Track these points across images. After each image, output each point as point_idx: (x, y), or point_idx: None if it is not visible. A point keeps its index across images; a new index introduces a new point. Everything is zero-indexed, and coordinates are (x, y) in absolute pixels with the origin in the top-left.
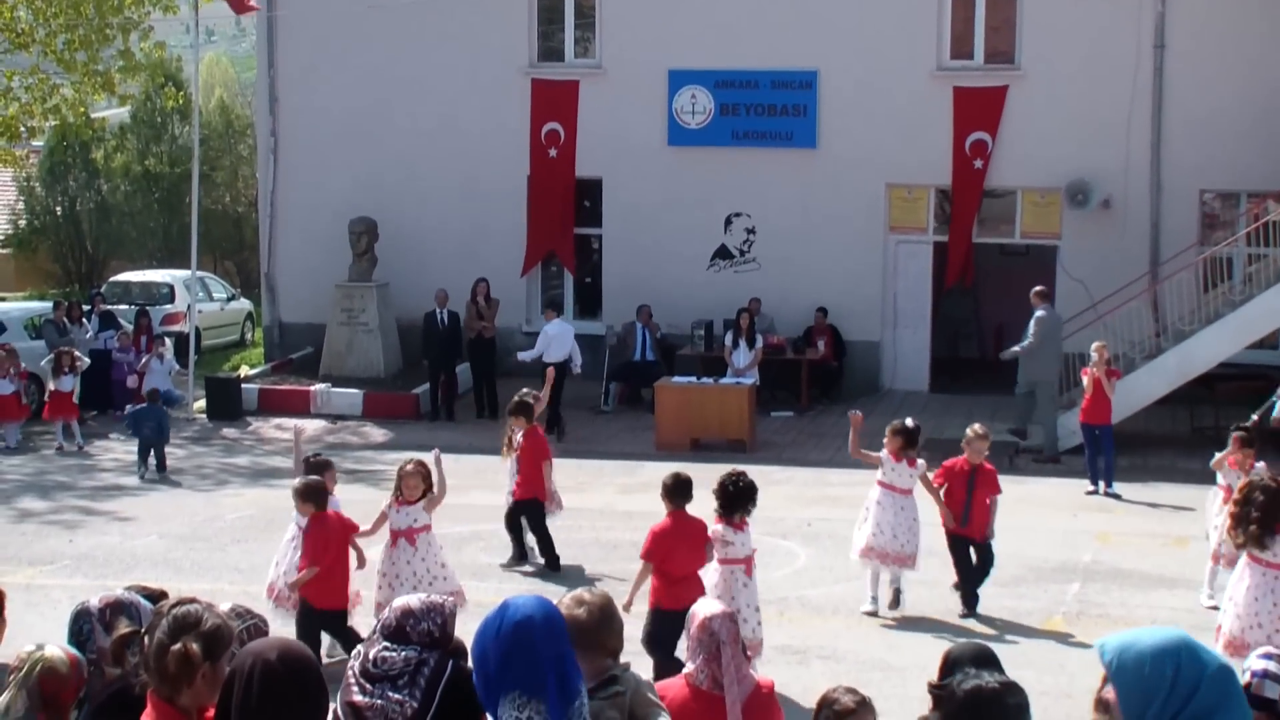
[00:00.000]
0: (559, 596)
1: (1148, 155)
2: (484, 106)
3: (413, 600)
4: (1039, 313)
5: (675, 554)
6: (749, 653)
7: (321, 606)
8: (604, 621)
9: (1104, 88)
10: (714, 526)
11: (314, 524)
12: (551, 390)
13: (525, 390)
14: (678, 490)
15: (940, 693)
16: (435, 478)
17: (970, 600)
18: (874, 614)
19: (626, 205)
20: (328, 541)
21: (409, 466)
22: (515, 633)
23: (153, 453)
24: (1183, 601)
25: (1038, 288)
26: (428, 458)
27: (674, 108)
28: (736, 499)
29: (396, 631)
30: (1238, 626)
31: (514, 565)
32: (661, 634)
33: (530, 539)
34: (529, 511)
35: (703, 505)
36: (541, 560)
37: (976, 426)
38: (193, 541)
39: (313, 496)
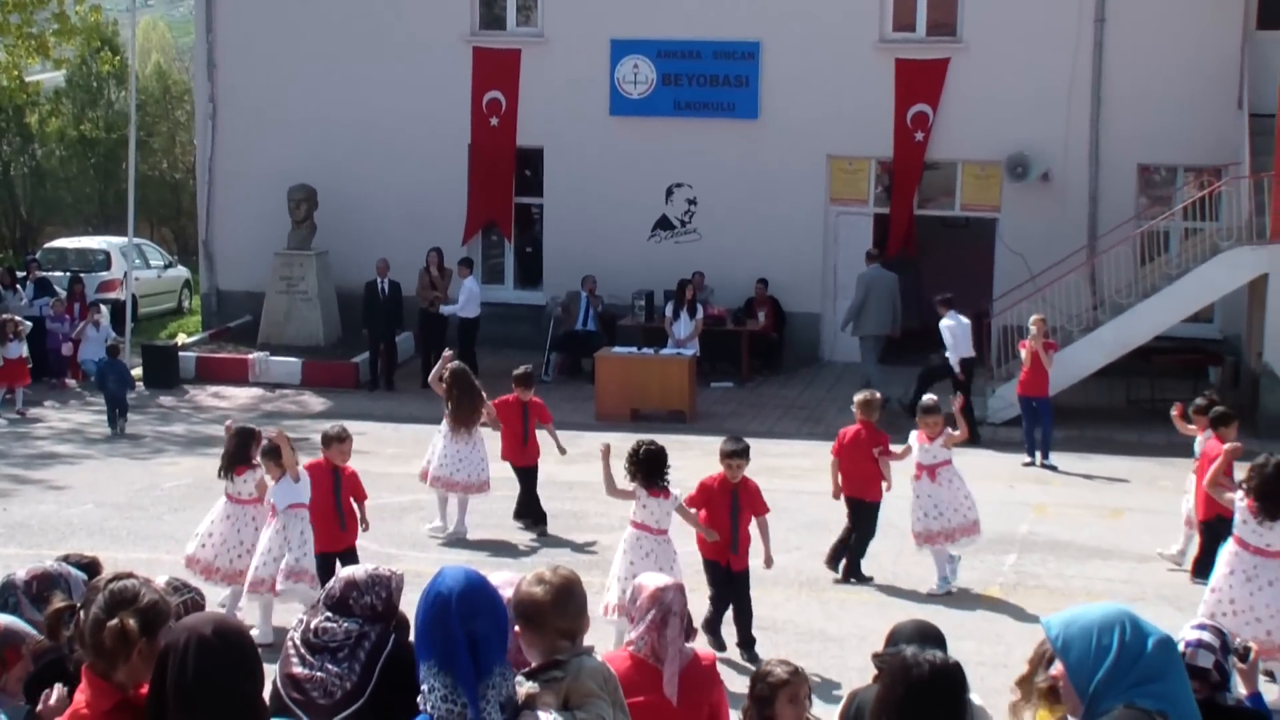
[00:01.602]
0: (524, 570)
1: (1087, 129)
2: (425, 74)
3: (358, 571)
4: (861, 272)
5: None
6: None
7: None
8: (559, 602)
9: (1044, 61)
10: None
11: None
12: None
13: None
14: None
15: (883, 665)
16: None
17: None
18: (950, 593)
19: (568, 175)
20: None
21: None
22: (433, 605)
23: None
24: (1118, 572)
25: (868, 249)
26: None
27: (616, 77)
28: (647, 465)
29: (339, 603)
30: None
31: (536, 526)
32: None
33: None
34: (534, 475)
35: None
36: (454, 530)
37: (864, 394)
38: (129, 510)
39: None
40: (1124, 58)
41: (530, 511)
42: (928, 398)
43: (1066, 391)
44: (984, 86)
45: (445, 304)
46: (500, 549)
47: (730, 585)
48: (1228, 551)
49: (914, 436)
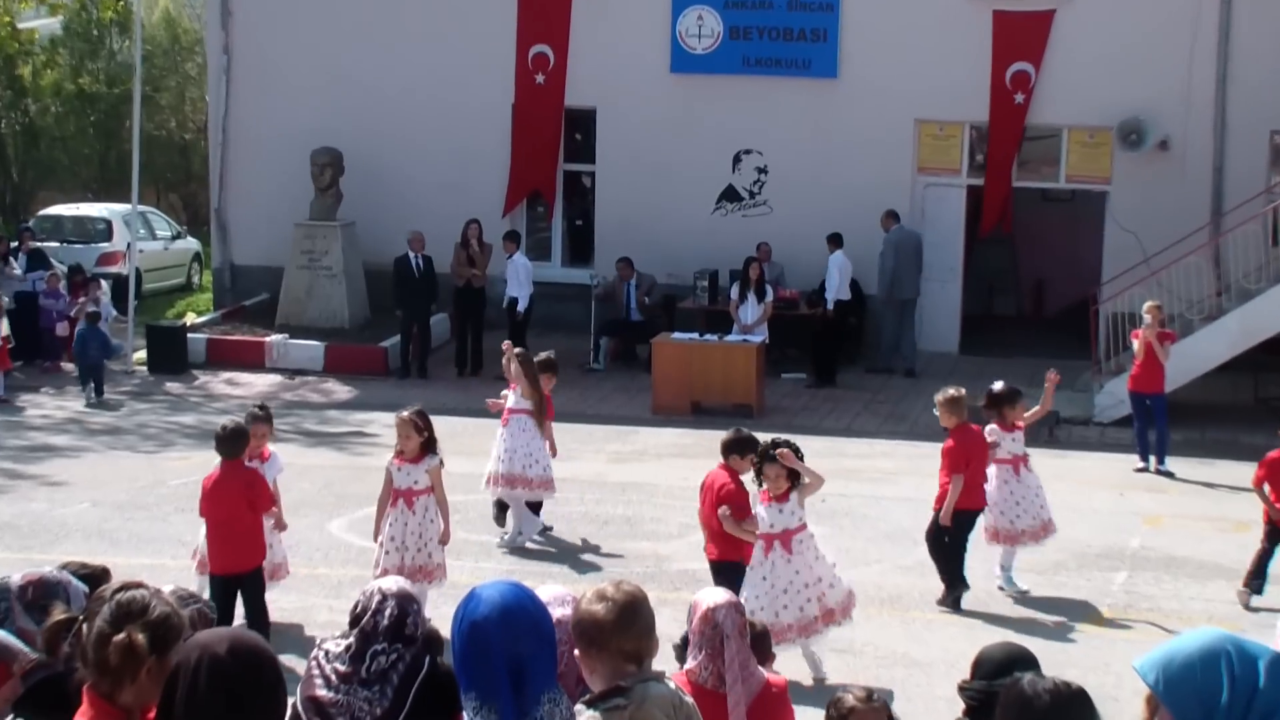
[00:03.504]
0: (583, 586)
1: (1212, 90)
2: (465, 25)
3: (387, 584)
4: (885, 235)
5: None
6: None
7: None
8: (623, 621)
9: (1164, 13)
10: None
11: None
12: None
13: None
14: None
15: (976, 697)
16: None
17: None
18: (1025, 592)
19: (623, 139)
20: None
21: (404, 414)
22: (468, 632)
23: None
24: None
25: (887, 210)
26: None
27: (678, 30)
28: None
29: (399, 620)
30: None
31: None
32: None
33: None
34: None
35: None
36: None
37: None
38: (131, 510)
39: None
40: (1257, 6)
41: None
42: (1002, 385)
43: (1185, 388)
44: (1094, 41)
45: (479, 282)
46: (550, 558)
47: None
48: None
49: (993, 429)
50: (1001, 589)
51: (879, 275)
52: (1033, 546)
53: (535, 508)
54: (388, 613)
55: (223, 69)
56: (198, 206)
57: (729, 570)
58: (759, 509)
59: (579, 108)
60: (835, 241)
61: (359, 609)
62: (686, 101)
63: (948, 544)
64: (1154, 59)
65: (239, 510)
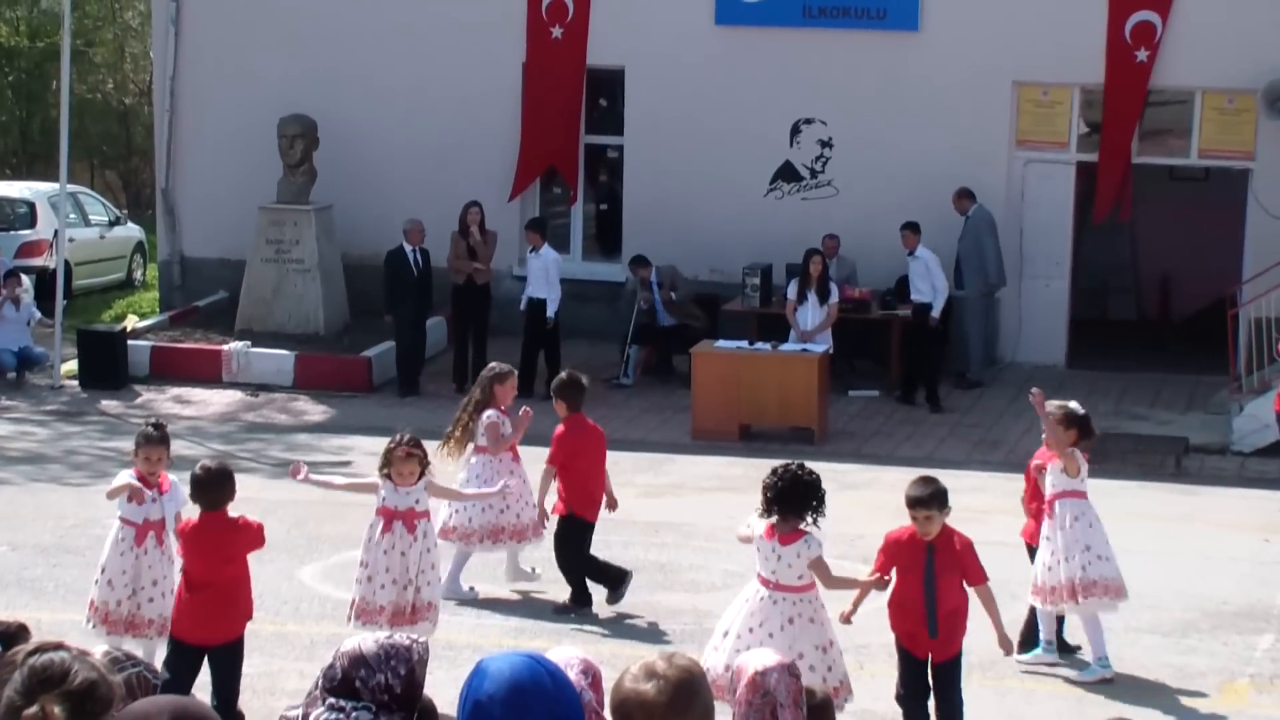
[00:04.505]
0: (602, 652)
1: None
2: None
3: (367, 643)
4: (965, 217)
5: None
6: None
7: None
8: (677, 704)
9: None
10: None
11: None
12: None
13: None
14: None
15: None
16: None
17: None
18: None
19: (657, 106)
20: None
21: (399, 452)
22: (474, 715)
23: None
24: None
25: (959, 188)
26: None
27: None
28: (785, 498)
29: (343, 684)
30: None
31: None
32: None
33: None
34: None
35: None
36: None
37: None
38: (57, 555)
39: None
40: None
41: None
42: (1066, 405)
43: None
44: None
45: (482, 278)
46: (557, 613)
47: (926, 681)
48: None
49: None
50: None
51: (963, 266)
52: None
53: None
54: (362, 673)
55: (170, 19)
56: (140, 186)
57: None
58: (761, 544)
59: (604, 67)
60: (915, 231)
61: (332, 670)
62: (734, 60)
63: None
64: None
65: (217, 565)
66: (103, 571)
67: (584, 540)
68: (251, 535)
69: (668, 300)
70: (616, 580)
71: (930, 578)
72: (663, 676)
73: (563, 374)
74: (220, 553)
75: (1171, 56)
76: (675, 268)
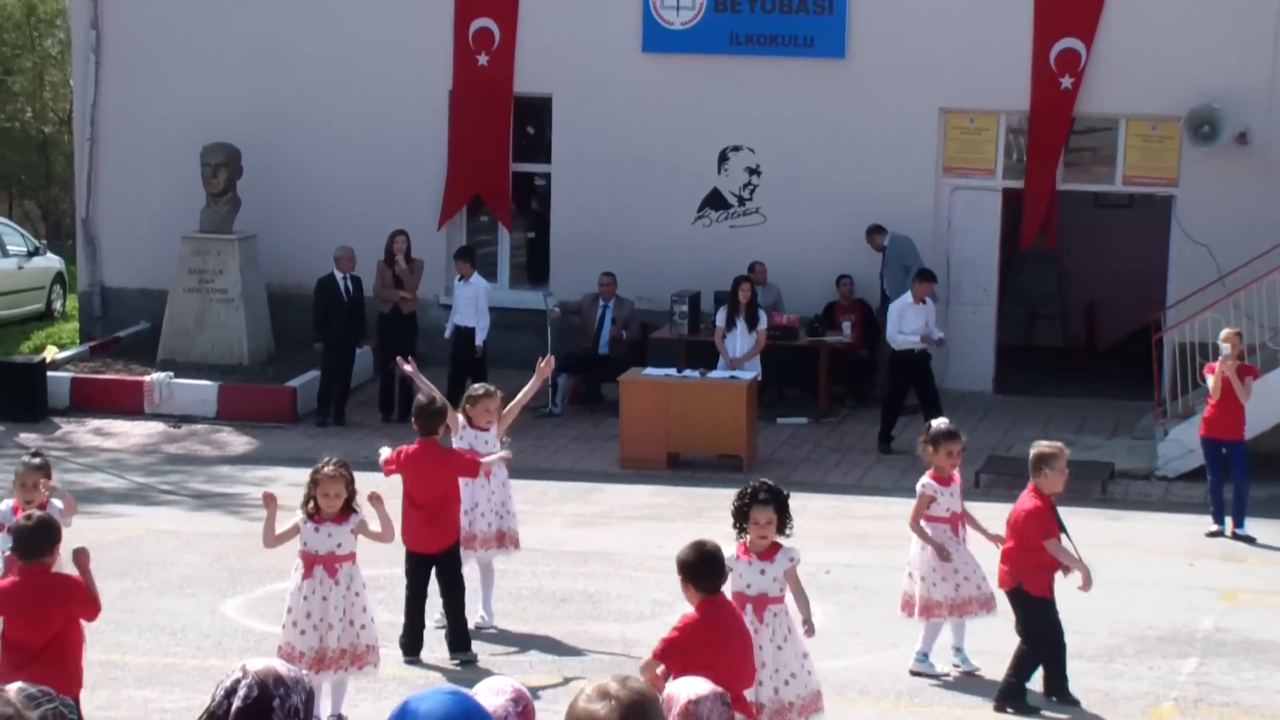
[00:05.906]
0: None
1: None
2: None
3: (276, 663)
4: (885, 242)
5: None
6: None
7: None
8: None
9: None
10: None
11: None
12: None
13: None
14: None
15: None
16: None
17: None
18: (926, 675)
19: (585, 133)
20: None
21: (327, 469)
22: None
23: None
24: None
25: (869, 226)
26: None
27: (651, 1)
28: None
29: (259, 703)
30: None
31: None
32: None
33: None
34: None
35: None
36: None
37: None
38: None
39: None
40: None
41: None
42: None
43: (1269, 434)
44: (1157, 15)
45: (409, 306)
46: (495, 642)
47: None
48: None
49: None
50: (957, 666)
51: (889, 293)
52: (984, 617)
53: None
54: (241, 694)
55: (91, 46)
56: (60, 216)
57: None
58: (737, 564)
59: (531, 95)
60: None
61: (249, 690)
62: (661, 88)
63: None
64: (1231, 35)
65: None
66: None
67: (415, 575)
68: (77, 589)
69: (617, 336)
70: (408, 646)
71: None
72: (615, 698)
73: (420, 398)
74: (40, 614)
75: (1096, 84)
76: (635, 308)
